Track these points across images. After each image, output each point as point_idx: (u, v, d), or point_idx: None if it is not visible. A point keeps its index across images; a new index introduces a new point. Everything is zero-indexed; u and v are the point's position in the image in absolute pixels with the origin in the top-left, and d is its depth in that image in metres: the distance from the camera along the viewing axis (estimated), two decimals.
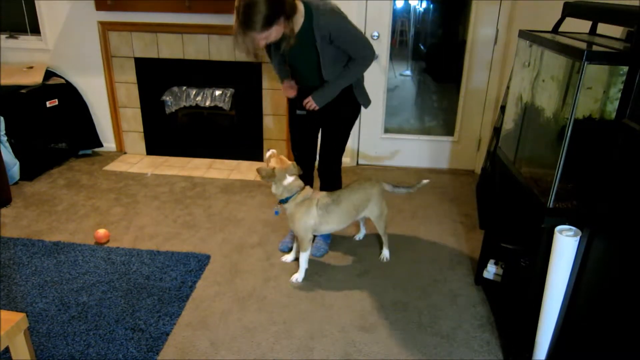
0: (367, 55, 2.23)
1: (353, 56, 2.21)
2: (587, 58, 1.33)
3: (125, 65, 3.67)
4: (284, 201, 2.26)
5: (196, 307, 2.16)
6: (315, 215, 2.26)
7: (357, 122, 3.62)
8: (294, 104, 2.45)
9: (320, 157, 2.53)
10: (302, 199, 2.25)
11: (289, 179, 2.23)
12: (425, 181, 2.54)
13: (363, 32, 2.35)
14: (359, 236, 2.74)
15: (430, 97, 3.89)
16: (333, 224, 2.33)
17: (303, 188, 2.28)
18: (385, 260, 2.53)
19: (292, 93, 2.39)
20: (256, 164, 3.79)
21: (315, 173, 2.62)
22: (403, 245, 2.68)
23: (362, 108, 2.46)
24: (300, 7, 2.07)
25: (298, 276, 2.35)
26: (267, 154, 2.29)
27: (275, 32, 1.99)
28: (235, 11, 1.91)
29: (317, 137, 2.57)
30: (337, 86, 2.26)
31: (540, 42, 1.67)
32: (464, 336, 2.02)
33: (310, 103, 2.30)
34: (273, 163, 2.22)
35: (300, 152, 2.57)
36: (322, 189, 2.55)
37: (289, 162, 2.25)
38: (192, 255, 2.52)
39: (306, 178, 2.48)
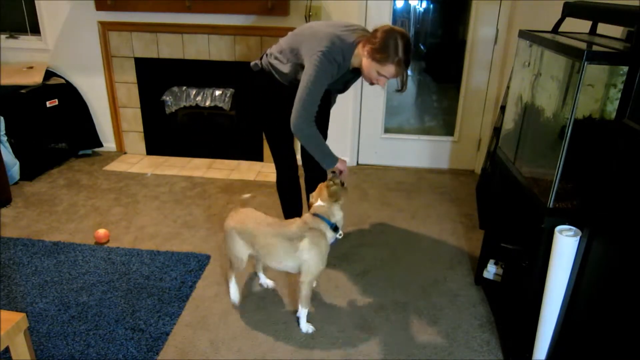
0: None
1: None
2: (587, 58, 1.33)
3: (125, 65, 3.67)
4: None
5: (196, 307, 2.16)
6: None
7: (357, 122, 3.67)
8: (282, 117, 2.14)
9: (312, 168, 2.37)
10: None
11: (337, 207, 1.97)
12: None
13: None
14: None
15: (430, 97, 3.90)
16: None
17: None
18: (266, 286, 2.30)
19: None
20: (256, 164, 3.79)
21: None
22: (403, 245, 2.68)
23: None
24: None
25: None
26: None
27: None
28: (396, 42, 1.93)
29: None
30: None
31: (540, 42, 1.67)
32: (464, 336, 2.02)
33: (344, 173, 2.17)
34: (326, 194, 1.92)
35: (291, 165, 2.41)
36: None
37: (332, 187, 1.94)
38: (192, 255, 2.52)
39: (298, 192, 2.45)
